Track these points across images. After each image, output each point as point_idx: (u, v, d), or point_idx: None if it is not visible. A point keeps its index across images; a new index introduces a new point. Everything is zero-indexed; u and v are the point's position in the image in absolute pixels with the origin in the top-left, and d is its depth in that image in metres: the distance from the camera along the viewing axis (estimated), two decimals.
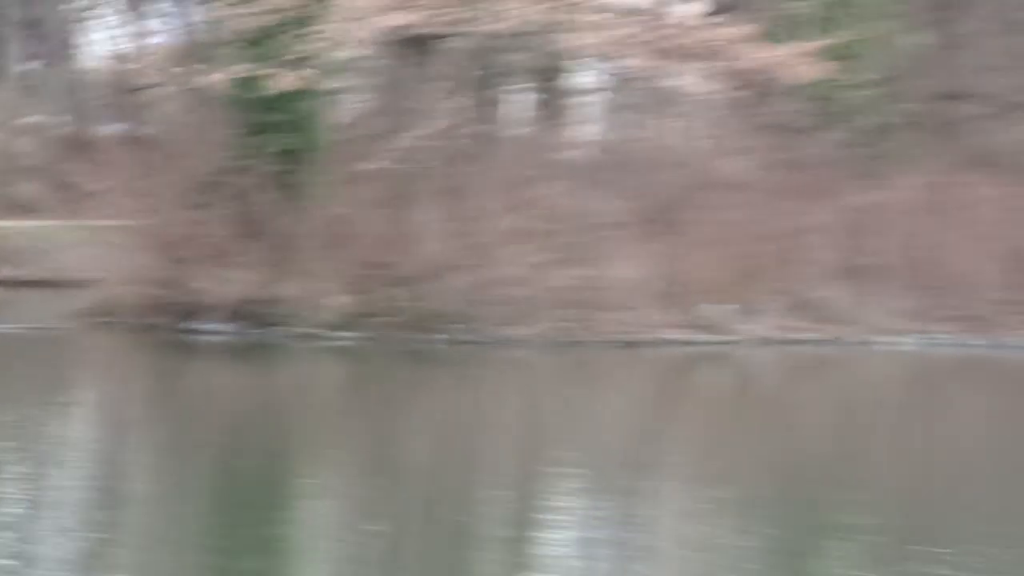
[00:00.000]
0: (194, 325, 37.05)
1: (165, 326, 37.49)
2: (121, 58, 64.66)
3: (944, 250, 40.77)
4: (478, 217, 37.91)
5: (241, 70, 35.73)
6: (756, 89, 41.54)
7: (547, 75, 43.06)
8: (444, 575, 16.09)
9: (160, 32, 61.33)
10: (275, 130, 35.84)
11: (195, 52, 42.27)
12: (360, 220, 36.11)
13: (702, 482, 23.07)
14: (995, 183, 42.90)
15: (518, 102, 43.13)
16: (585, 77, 44.63)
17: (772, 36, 40.13)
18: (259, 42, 35.32)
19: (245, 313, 36.47)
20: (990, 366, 39.20)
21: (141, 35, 64.23)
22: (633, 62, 39.66)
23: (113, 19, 65.74)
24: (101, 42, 65.77)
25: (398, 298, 35.45)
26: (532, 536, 19.07)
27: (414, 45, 35.95)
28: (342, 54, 35.03)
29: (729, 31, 39.38)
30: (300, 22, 34.14)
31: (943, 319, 39.39)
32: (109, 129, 56.96)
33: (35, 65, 67.13)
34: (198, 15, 47.73)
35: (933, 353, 38.91)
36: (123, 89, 60.67)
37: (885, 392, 35.90)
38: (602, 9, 38.69)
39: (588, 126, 44.74)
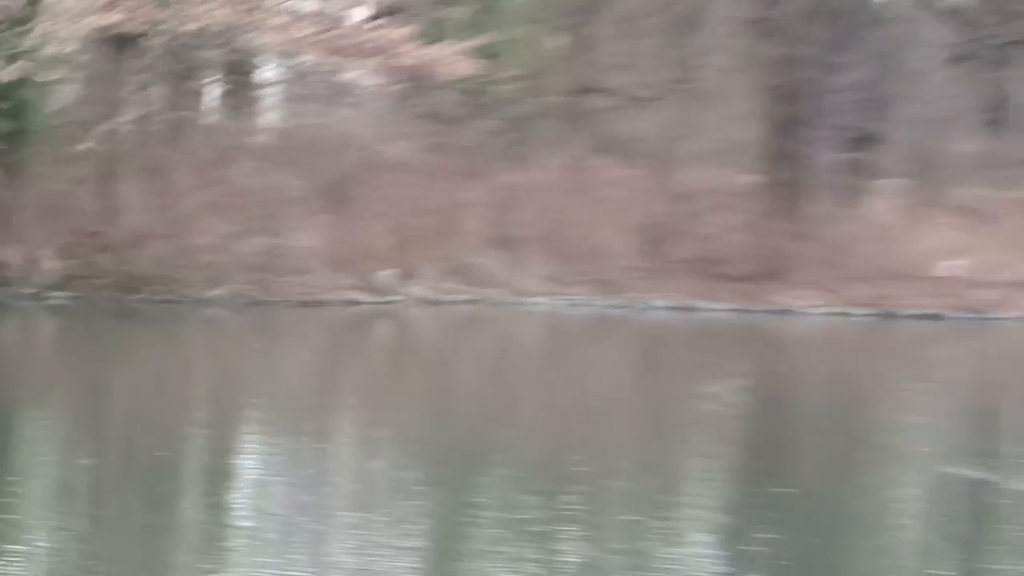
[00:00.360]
0: None
1: None
2: None
3: (580, 223, 44.78)
4: (175, 192, 40.52)
5: None
6: (416, 83, 44.31)
7: (236, 68, 45.37)
8: (142, 500, 17.92)
9: None
10: None
11: None
12: (72, 195, 38.29)
13: (369, 422, 25.53)
14: (623, 166, 47.27)
15: (212, 92, 45.27)
16: (269, 71, 46.74)
17: (429, 37, 41.79)
18: None
19: None
20: (619, 323, 42.31)
21: None
22: (309, 58, 41.75)
23: None
24: None
25: (105, 263, 37.58)
26: (221, 466, 21.37)
27: (118, 42, 38.37)
28: (56, 49, 36.71)
29: (392, 33, 41.24)
30: (19, 21, 36.21)
31: (580, 283, 43.39)
32: None
33: None
34: None
35: (571, 312, 42.48)
36: None
37: (529, 345, 39.41)
38: (281, 12, 39.94)
39: (272, 113, 47.23)
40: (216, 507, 18.35)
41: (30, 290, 37.39)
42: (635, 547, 16.29)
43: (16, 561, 13.74)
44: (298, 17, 40.86)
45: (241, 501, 19.01)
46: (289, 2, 41.30)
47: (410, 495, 19.16)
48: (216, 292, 38.50)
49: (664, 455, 23.75)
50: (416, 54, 40.88)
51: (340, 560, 15.37)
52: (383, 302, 40.47)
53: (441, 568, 16.11)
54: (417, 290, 41.45)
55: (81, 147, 37.93)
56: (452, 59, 41.21)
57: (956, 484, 21.09)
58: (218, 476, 20.57)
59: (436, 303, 41.37)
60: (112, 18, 36.24)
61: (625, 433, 26.02)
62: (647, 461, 23.08)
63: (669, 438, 25.52)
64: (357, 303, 40.24)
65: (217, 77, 46.88)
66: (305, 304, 39.17)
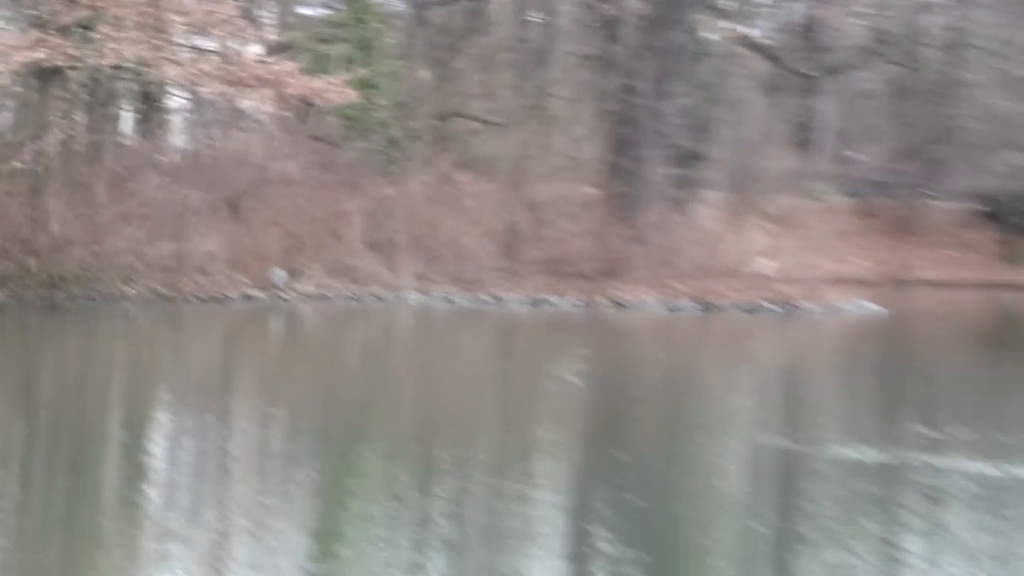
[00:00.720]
0: None
1: None
2: None
3: (446, 230, 44.68)
4: (94, 204, 39.51)
5: None
6: (303, 109, 44.33)
7: (147, 97, 45.41)
8: (65, 466, 18.38)
9: None
10: None
11: None
12: (5, 206, 38.25)
13: (264, 401, 26.00)
14: (482, 181, 48.18)
15: (126, 117, 45.43)
16: (175, 99, 46.47)
17: (313, 70, 41.93)
18: None
19: None
20: (480, 316, 42.21)
21: None
22: (210, 88, 40.70)
23: None
24: None
25: (34, 265, 37.23)
26: (131, 438, 21.43)
27: (45, 74, 38.02)
28: None
29: (281, 66, 40.62)
30: None
31: (446, 281, 43.38)
32: None
33: None
34: None
35: (439, 306, 42.40)
36: None
37: (403, 334, 39.55)
38: (185, 49, 39.92)
39: (178, 136, 46.88)
40: (123, 473, 18.74)
41: None
42: (493, 506, 16.83)
43: None
44: (200, 53, 40.69)
45: (146, 467, 19.19)
46: (192, 40, 40.72)
47: (297, 463, 19.86)
48: (130, 290, 38.36)
49: (517, 428, 23.87)
50: (302, 85, 40.55)
51: (234, 520, 15.68)
52: (276, 298, 40.57)
53: (324, 524, 16.42)
54: (305, 287, 41.39)
55: (13, 165, 38.24)
56: (334, 89, 40.77)
57: (768, 453, 21.47)
58: (127, 447, 20.80)
59: (322, 298, 41.27)
60: (39, 54, 36.43)
61: (485, 409, 26.40)
62: (504, 433, 23.36)
63: (522, 413, 25.66)
64: (253, 299, 40.15)
65: (131, 104, 46.26)
66: (207, 300, 39.16)
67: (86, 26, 37.65)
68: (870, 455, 20.44)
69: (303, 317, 40.10)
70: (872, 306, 47.53)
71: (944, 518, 17.19)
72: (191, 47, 40.84)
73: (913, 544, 15.83)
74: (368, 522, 16.08)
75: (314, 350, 35.48)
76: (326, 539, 15.38)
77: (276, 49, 47.12)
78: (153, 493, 17.40)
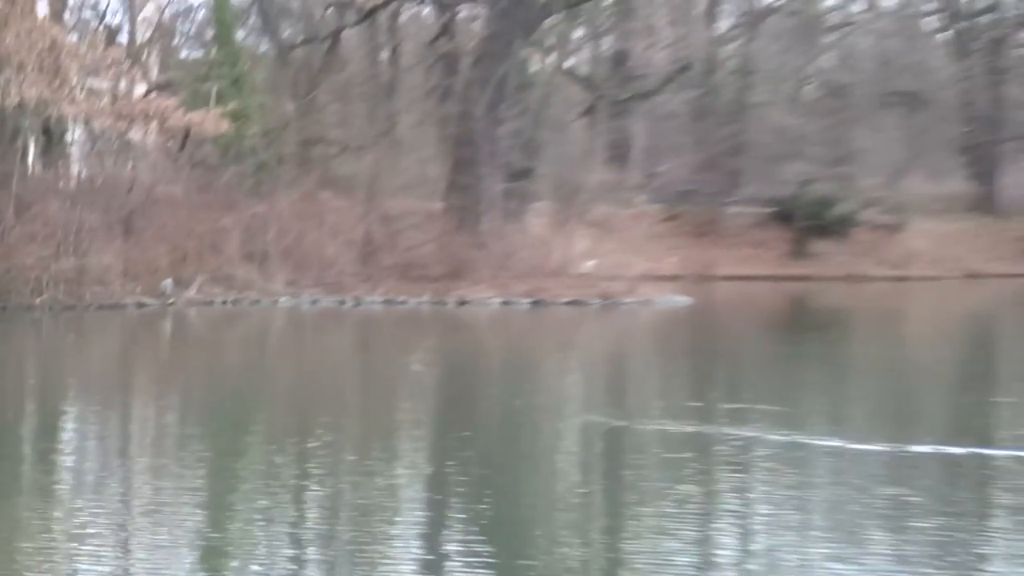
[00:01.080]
0: None
1: None
2: None
3: (311, 241, 45.17)
4: (3, 226, 40.10)
5: None
6: (184, 139, 44.61)
7: (49, 131, 44.65)
8: None
9: None
10: None
11: None
12: None
13: (155, 392, 26.03)
14: (342, 198, 48.44)
15: (31, 149, 44.72)
16: (75, 132, 45.69)
17: (192, 105, 42.89)
18: None
19: None
20: (343, 314, 42.28)
21: None
22: (102, 123, 42.00)
23: None
24: None
25: None
26: (41, 426, 21.36)
27: None
28: None
29: (164, 102, 42.34)
30: None
31: (313, 285, 43.94)
32: None
33: None
34: None
35: (307, 307, 42.64)
36: None
37: (276, 332, 39.25)
38: (79, 89, 40.49)
39: (77, 164, 46.33)
40: (33, 456, 18.84)
41: None
42: (357, 480, 16.65)
43: None
44: (94, 92, 41.63)
45: (53, 451, 19.18)
46: (87, 81, 41.16)
47: (186, 444, 19.96)
48: (38, 300, 38.60)
49: (378, 409, 24.01)
50: (182, 118, 41.86)
51: (133, 497, 15.51)
52: (165, 304, 40.58)
53: (213, 492, 16.33)
54: (190, 294, 41.49)
55: None
56: (209, 121, 42.05)
57: (594, 428, 21.07)
58: (38, 433, 20.87)
59: (205, 304, 41.32)
60: None
61: (347, 395, 26.51)
62: (367, 414, 23.52)
63: (381, 396, 25.78)
64: (145, 305, 40.18)
65: (35, 137, 45.54)
66: (106, 308, 39.15)
67: None
68: (682, 427, 20.26)
69: (189, 320, 39.60)
70: (680, 298, 48.06)
71: (746, 479, 17.16)
72: (85, 87, 41.29)
73: (721, 501, 16.01)
74: (250, 496, 15.93)
75: (199, 348, 35.36)
76: (214, 512, 15.19)
77: (159, 87, 47.78)
78: (59, 475, 17.38)
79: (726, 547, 13.81)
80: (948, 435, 20.41)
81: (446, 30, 53.30)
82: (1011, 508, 15.42)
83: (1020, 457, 18.16)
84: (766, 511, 15.46)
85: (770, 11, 70.08)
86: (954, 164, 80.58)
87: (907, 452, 18.30)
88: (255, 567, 12.62)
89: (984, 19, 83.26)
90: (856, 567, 12.49)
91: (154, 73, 50.81)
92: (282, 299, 43.14)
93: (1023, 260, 73.94)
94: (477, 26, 53.17)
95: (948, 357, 36.03)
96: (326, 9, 53.41)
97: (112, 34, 49.81)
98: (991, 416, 23.44)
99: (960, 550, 13.19)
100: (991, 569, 12.73)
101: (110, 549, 13.11)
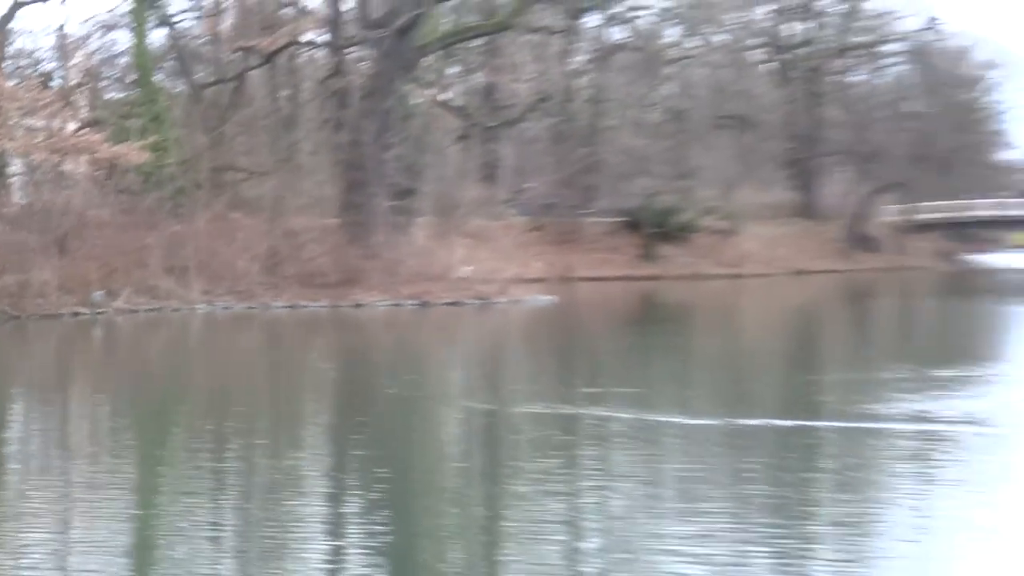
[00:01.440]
0: None
1: None
2: None
3: (222, 255, 44.74)
4: None
5: None
6: (111, 169, 44.23)
7: None
8: None
9: None
10: None
11: None
12: None
13: (88, 389, 26.16)
14: (250, 217, 47.93)
15: None
16: (15, 164, 45.55)
17: (117, 138, 42.84)
18: None
19: None
20: (253, 318, 41.79)
21: None
22: (38, 156, 41.90)
23: None
24: None
25: None
26: None
27: None
28: None
29: (93, 137, 42.07)
30: None
31: (225, 293, 43.65)
32: None
33: None
34: None
35: (221, 313, 42.24)
36: None
37: (194, 335, 39.28)
38: (18, 127, 40.52)
39: (17, 192, 46.01)
40: None
41: None
42: (265, 460, 16.65)
43: None
44: (31, 130, 41.35)
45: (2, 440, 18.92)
46: (24, 120, 40.94)
47: (116, 433, 20.08)
48: (96, 309, 38.70)
49: (284, 398, 24.30)
50: (109, 150, 41.81)
51: (69, 483, 15.38)
52: (97, 313, 40.14)
53: (139, 474, 16.28)
54: (118, 304, 41.08)
55: None
56: (132, 152, 41.90)
57: (473, 412, 21.17)
58: None
59: (132, 312, 40.84)
60: None
61: (257, 388, 26.41)
62: (274, 403, 23.49)
63: (287, 388, 26.00)
64: (80, 314, 39.70)
65: None
66: (45, 317, 38.72)
67: None
68: (547, 409, 20.36)
69: (118, 326, 39.23)
70: (545, 297, 48.62)
71: (603, 451, 17.27)
72: (24, 126, 41.22)
73: (583, 473, 16.05)
74: (172, 476, 15.92)
75: (127, 351, 35.14)
76: (143, 494, 14.97)
77: (88, 124, 47.30)
78: (7, 461, 17.11)
79: (586, 509, 13.98)
80: (776, 410, 20.68)
81: (337, 69, 53.24)
82: (831, 472, 15.74)
83: (839, 428, 18.49)
84: (621, 478, 15.53)
85: (617, 47, 70.88)
86: (779, 176, 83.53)
87: (740, 425, 18.47)
88: (177, 536, 12.65)
89: (802, 51, 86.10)
90: (698, 525, 12.59)
91: (84, 112, 50.24)
92: (199, 306, 42.89)
93: (840, 258, 77.32)
94: (364, 65, 53.17)
95: (777, 343, 37.03)
96: (232, 53, 53.13)
97: (46, 79, 49.66)
98: (815, 393, 23.72)
99: (787, 509, 13.45)
100: (815, 525, 12.98)
101: (51, 521, 13.22)
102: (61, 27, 52.42)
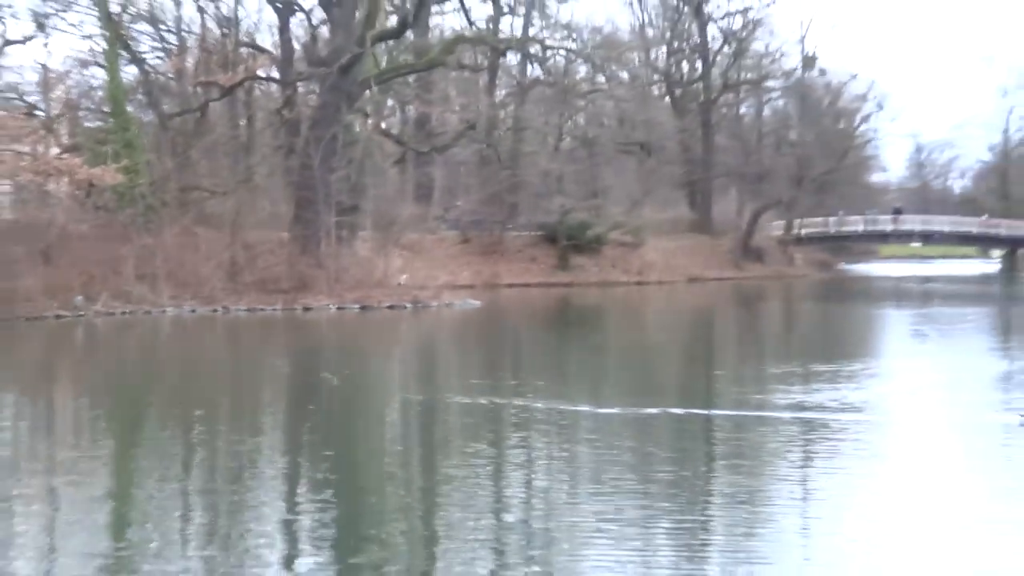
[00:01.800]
0: None
1: None
2: None
3: (187, 264, 45.10)
4: None
5: None
6: (88, 188, 44.03)
7: None
8: None
9: None
10: None
11: None
12: None
13: (78, 382, 25.68)
14: (210, 231, 47.65)
15: None
16: (3, 185, 45.73)
17: (93, 162, 42.67)
18: None
19: None
20: (213, 321, 41.46)
21: None
22: (24, 178, 41.94)
23: None
24: None
25: None
26: None
27: None
28: None
29: (72, 160, 42.17)
30: None
31: (189, 298, 43.64)
32: None
33: None
34: None
35: (187, 315, 42.06)
36: None
37: (163, 335, 38.14)
38: (5, 152, 40.48)
39: (5, 209, 46.47)
40: None
41: None
42: (227, 445, 16.58)
43: None
44: (17, 153, 41.53)
45: None
46: (11, 145, 41.02)
47: (95, 421, 19.70)
48: (76, 312, 38.34)
49: (245, 390, 23.92)
50: (87, 172, 41.60)
51: (54, 469, 15.01)
52: (77, 316, 40.10)
53: (117, 457, 16.06)
54: (97, 307, 41.09)
55: None
56: (108, 174, 41.54)
57: (410, 403, 21.08)
58: None
59: (108, 314, 40.73)
60: None
61: (221, 380, 26.33)
62: (234, 395, 23.39)
63: (247, 381, 25.66)
64: (62, 316, 39.69)
65: None
66: (31, 319, 38.71)
67: None
68: (474, 399, 20.05)
69: (97, 327, 38.77)
70: (473, 301, 48.56)
71: (524, 437, 17.10)
72: (11, 150, 41.31)
73: (507, 456, 15.91)
74: (143, 461, 15.81)
75: (105, 348, 34.72)
76: (119, 472, 15.02)
77: (68, 149, 47.29)
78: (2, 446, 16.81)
79: (509, 487, 14.03)
80: (674, 400, 20.43)
81: (289, 102, 53.55)
82: (724, 454, 15.69)
83: (731, 416, 18.39)
84: (539, 460, 15.62)
85: (536, 82, 71.13)
86: (677, 196, 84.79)
87: (642, 414, 18.34)
88: (150, 511, 12.64)
89: (696, 87, 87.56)
90: (609, 502, 12.62)
91: (64, 138, 50.32)
92: (168, 309, 42.68)
93: (731, 267, 78.44)
94: (312, 98, 53.49)
95: (676, 340, 37.01)
96: (195, 88, 53.15)
97: (31, 109, 49.49)
98: (709, 385, 23.92)
99: (686, 487, 13.53)
100: (710, 500, 13.04)
101: (38, 502, 13.18)
102: (43, 64, 52.30)
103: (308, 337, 37.99)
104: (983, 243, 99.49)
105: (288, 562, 10.71)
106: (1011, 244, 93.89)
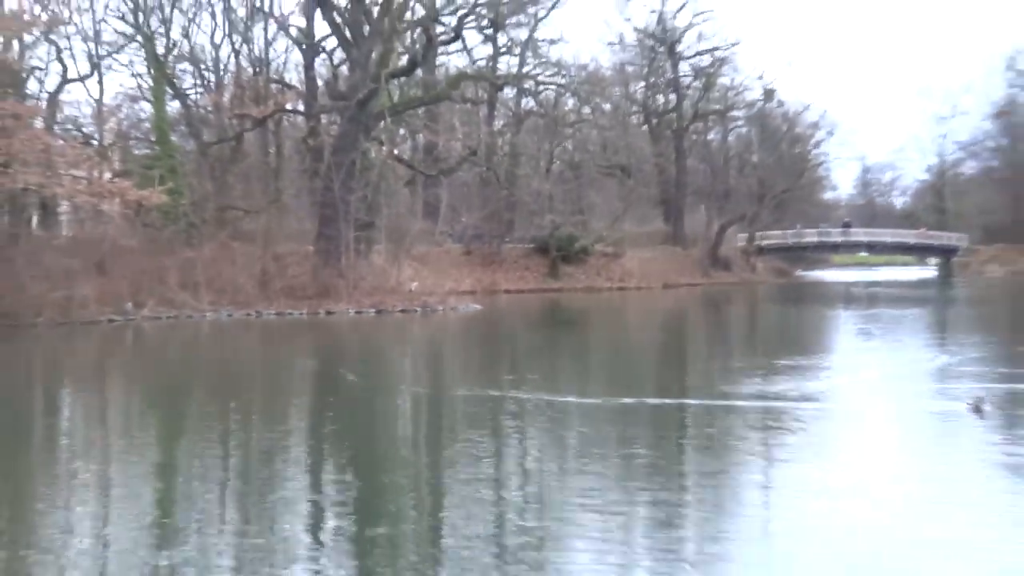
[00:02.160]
0: None
1: None
2: None
3: (224, 274, 45.07)
4: (15, 270, 39.09)
5: None
6: (137, 208, 43.73)
7: (44, 204, 45.58)
8: None
9: None
10: None
11: None
12: None
13: (131, 378, 25.25)
14: (244, 245, 48.06)
15: (36, 217, 45.70)
16: (63, 205, 46.72)
17: (141, 185, 42.67)
18: None
19: None
20: (248, 323, 41.00)
21: None
22: (81, 199, 41.78)
23: None
24: None
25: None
26: (55, 402, 20.66)
27: None
28: None
29: (123, 184, 42.01)
30: None
31: (226, 304, 43.61)
32: None
33: None
34: None
35: (223, 319, 41.78)
36: None
37: (208, 335, 37.09)
38: (64, 176, 40.35)
39: (66, 227, 47.24)
40: (36, 430, 17.73)
41: None
42: (259, 431, 16.29)
43: None
44: (75, 179, 41.36)
45: (60, 416, 18.70)
46: (69, 170, 40.85)
47: (148, 409, 19.47)
48: (40, 319, 38.05)
49: (275, 385, 23.46)
50: (136, 194, 41.56)
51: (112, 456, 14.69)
52: (127, 320, 40.04)
53: (164, 443, 15.71)
54: (145, 312, 41.08)
55: None
56: (154, 196, 41.64)
57: (417, 396, 20.58)
58: (51, 404, 20.55)
59: (155, 319, 40.63)
60: None
61: (253, 374, 26.02)
62: (265, 387, 22.84)
63: (276, 376, 25.27)
64: (114, 321, 39.61)
65: (36, 210, 46.13)
66: (87, 323, 38.58)
67: (5, 164, 38.26)
68: (479, 392, 19.92)
69: (145, 330, 38.47)
70: (475, 306, 48.76)
71: (521, 426, 16.77)
72: (69, 175, 41.29)
73: (504, 441, 15.69)
74: (187, 443, 15.79)
75: (154, 347, 34.24)
76: (165, 455, 14.91)
77: (119, 174, 47.42)
78: (61, 435, 16.82)
79: (507, 469, 13.74)
80: (651, 391, 20.20)
81: (313, 131, 53.49)
82: (695, 439, 15.51)
83: (701, 404, 18.11)
84: (532, 445, 15.39)
85: (529, 113, 71.04)
86: (653, 212, 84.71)
87: (621, 403, 18.08)
88: (191, 487, 12.68)
89: (670, 116, 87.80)
90: (593, 478, 12.66)
91: (116, 164, 50.40)
92: (207, 314, 42.45)
93: (700, 274, 78.41)
94: (333, 128, 53.37)
95: (652, 338, 36.61)
96: (231, 119, 53.38)
97: (86, 139, 49.76)
98: (681, 377, 23.65)
99: (661, 468, 13.37)
100: (683, 479, 12.90)
101: (95, 481, 13.06)
102: (98, 99, 52.47)
103: (329, 338, 37.53)
104: (921, 252, 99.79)
105: (314, 531, 10.71)
106: (945, 253, 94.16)
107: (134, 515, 11.35)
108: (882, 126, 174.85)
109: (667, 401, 18.70)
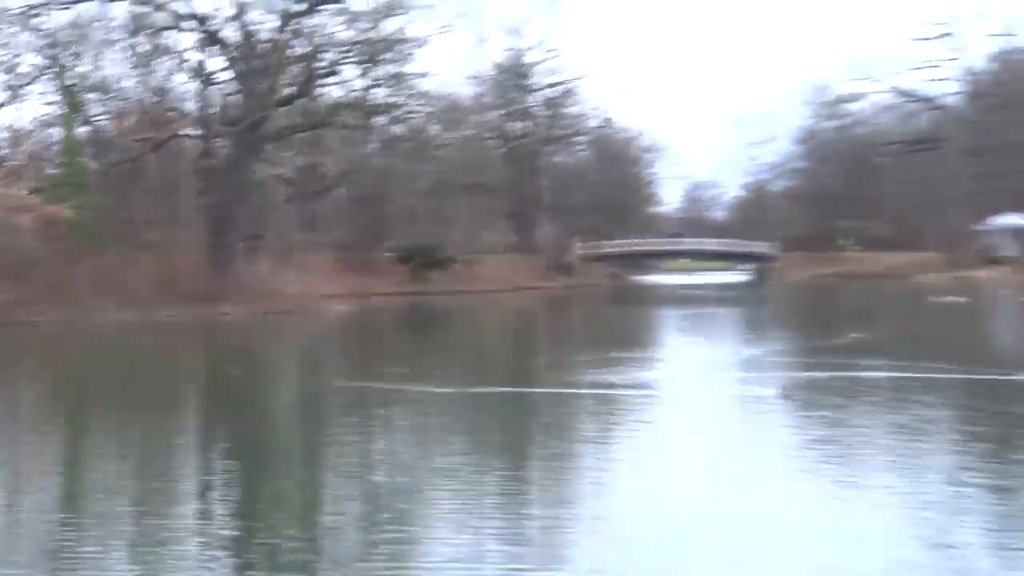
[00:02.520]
0: None
1: None
2: None
3: (127, 280, 42.50)
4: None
5: None
6: (47, 221, 43.15)
7: None
8: None
9: None
10: None
11: None
12: None
13: (43, 373, 24.51)
14: (145, 255, 45.16)
15: None
16: None
17: (51, 201, 43.50)
18: None
19: None
20: (149, 324, 38.02)
21: None
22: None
23: None
24: None
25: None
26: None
27: None
28: None
29: (35, 200, 43.01)
30: None
31: (130, 307, 41.10)
32: None
33: None
34: None
35: (127, 320, 39.14)
36: None
37: (115, 336, 35.19)
38: None
39: None
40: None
41: None
42: (156, 423, 15.33)
43: None
44: None
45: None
46: None
47: (52, 405, 18.54)
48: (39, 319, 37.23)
49: (169, 376, 22.77)
50: (47, 209, 42.58)
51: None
52: (40, 322, 37.64)
53: (68, 440, 14.95)
54: (55, 315, 39.12)
55: None
56: (64, 211, 42.65)
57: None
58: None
59: (67, 321, 38.32)
60: None
61: (153, 367, 24.95)
62: (164, 379, 21.97)
63: (171, 369, 24.37)
64: (26, 323, 37.68)
65: None
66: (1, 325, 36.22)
67: None
68: (347, 383, 19.54)
69: (55, 332, 35.82)
70: (349, 307, 48.49)
71: (387, 413, 15.99)
72: None
73: (368, 427, 14.89)
74: (94, 438, 15.08)
75: (63, 348, 32.19)
76: (70, 454, 13.83)
77: (32, 191, 46.94)
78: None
79: (370, 449, 13.63)
80: (501, 381, 20.04)
81: (207, 152, 53.17)
82: (542, 423, 15.21)
83: (546, 392, 17.82)
84: (397, 430, 15.03)
85: (398, 138, 70.82)
86: (506, 224, 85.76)
87: (475, 392, 17.80)
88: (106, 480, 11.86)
89: (523, 141, 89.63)
90: (454, 458, 12.29)
91: (30, 183, 49.51)
92: (112, 317, 40.40)
93: (546, 279, 79.93)
94: (225, 150, 52.85)
95: (507, 334, 37.15)
96: (133, 142, 52.53)
97: (2, 160, 49.29)
98: (528, 369, 23.49)
99: (512, 448, 13.17)
100: (531, 458, 12.61)
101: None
102: (12, 125, 52.00)
103: (220, 337, 36.65)
104: (736, 259, 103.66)
105: (202, 515, 10.19)
106: (756, 260, 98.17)
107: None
108: (705, 148, 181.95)
109: (514, 389, 18.35)
